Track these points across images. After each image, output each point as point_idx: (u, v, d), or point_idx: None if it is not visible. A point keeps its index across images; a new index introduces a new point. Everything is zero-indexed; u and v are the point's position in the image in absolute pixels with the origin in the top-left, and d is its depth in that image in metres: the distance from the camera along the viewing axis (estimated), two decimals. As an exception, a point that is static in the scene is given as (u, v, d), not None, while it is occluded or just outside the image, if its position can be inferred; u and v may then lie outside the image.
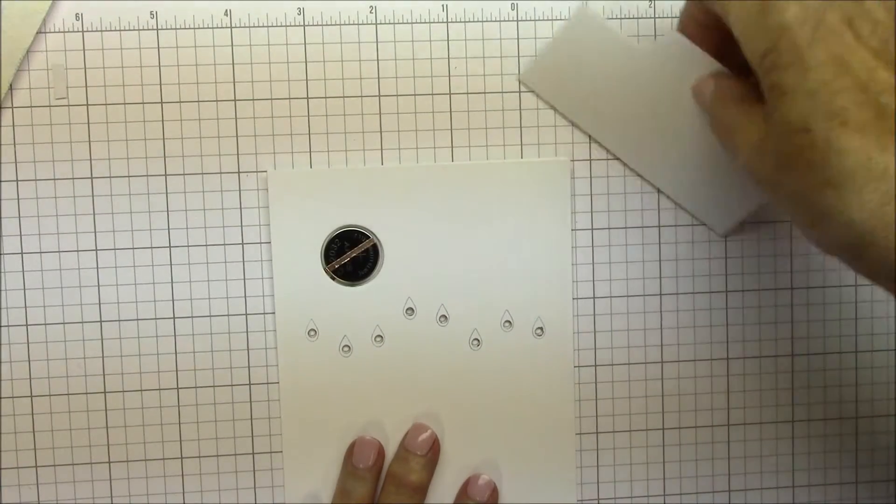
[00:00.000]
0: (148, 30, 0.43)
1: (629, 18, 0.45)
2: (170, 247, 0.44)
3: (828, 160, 0.31)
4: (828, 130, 0.31)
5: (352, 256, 0.44)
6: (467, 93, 0.44)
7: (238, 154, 0.44)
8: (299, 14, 0.43)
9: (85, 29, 0.42)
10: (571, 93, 0.44)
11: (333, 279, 0.44)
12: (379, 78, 0.44)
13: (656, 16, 0.45)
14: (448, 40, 0.44)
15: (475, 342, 0.45)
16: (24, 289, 0.43)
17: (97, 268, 0.43)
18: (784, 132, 0.32)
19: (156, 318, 0.44)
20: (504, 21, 0.44)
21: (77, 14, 0.42)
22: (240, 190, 0.44)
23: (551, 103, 0.44)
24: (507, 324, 0.45)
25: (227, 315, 0.44)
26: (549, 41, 0.44)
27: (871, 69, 0.31)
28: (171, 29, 0.43)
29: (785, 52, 0.32)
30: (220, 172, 0.44)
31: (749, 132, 0.35)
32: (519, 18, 0.44)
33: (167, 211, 0.43)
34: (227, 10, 0.43)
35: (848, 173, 0.31)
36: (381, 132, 0.44)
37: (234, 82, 0.43)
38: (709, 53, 0.41)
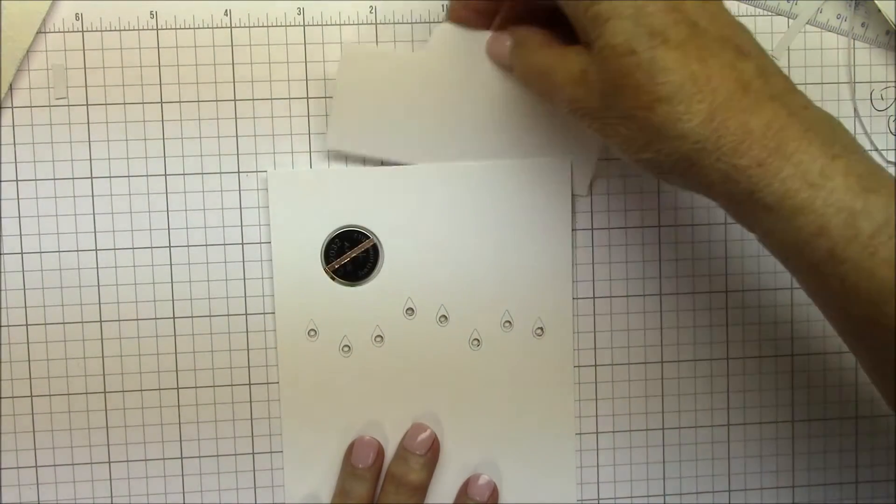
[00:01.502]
0: (148, 30, 0.43)
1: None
2: (170, 247, 0.44)
3: (654, 78, 0.33)
4: (651, 50, 0.33)
5: (352, 257, 0.44)
6: (467, 93, 0.44)
7: (238, 154, 0.44)
8: (299, 14, 0.43)
9: (85, 29, 0.42)
10: (379, 132, 0.43)
11: (333, 279, 0.44)
12: (379, 78, 0.44)
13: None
14: (448, 40, 0.44)
15: (475, 342, 0.45)
16: (24, 289, 0.43)
17: (97, 268, 0.43)
18: (609, 57, 0.34)
19: (156, 318, 0.44)
20: (504, 21, 0.44)
21: (77, 14, 0.42)
22: (240, 190, 0.44)
23: (367, 155, 0.43)
24: (507, 324, 0.45)
25: (227, 315, 0.44)
26: (332, 99, 0.43)
27: None
28: (171, 29, 0.43)
29: None
30: (220, 172, 0.44)
31: (567, 68, 0.36)
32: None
33: (167, 211, 0.43)
34: (227, 10, 0.43)
35: (676, 87, 0.32)
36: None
37: (234, 82, 0.43)
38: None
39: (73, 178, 0.43)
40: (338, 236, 0.44)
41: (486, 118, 0.43)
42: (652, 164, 0.34)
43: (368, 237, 0.44)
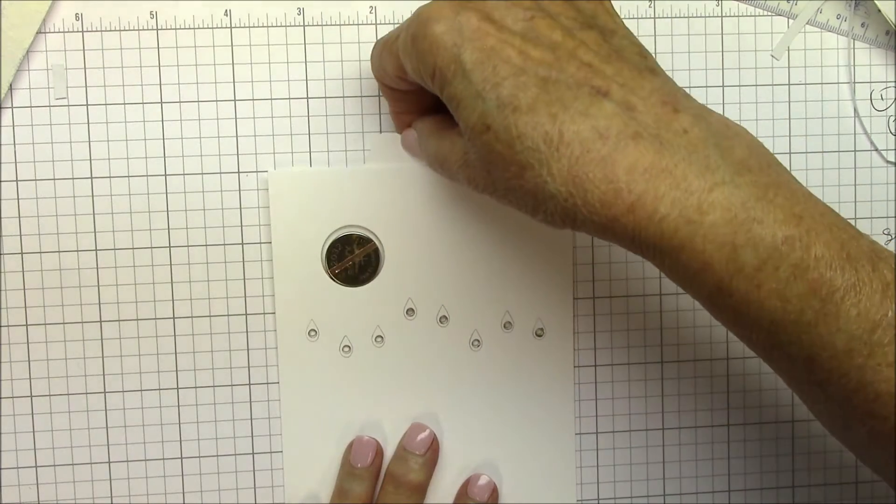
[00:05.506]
0: (148, 30, 0.43)
1: (629, 18, 0.45)
2: (170, 247, 0.44)
3: (513, 147, 0.33)
4: (503, 120, 0.33)
5: (353, 261, 0.44)
6: (467, 93, 0.44)
7: (238, 154, 0.44)
8: (299, 14, 0.43)
9: (85, 29, 0.42)
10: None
11: (334, 280, 0.44)
12: (379, 78, 0.44)
13: (656, 16, 0.45)
14: (448, 40, 0.44)
15: (475, 343, 0.45)
16: (24, 289, 0.43)
17: (97, 268, 0.43)
18: (473, 137, 0.34)
19: (156, 318, 0.44)
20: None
21: (77, 14, 0.42)
22: (240, 190, 0.44)
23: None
24: (507, 324, 0.45)
25: (227, 315, 0.44)
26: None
27: (522, 51, 0.33)
28: (171, 29, 0.43)
29: (445, 66, 0.34)
30: (220, 172, 0.44)
31: (454, 152, 0.37)
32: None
33: (167, 211, 0.43)
34: (227, 10, 0.43)
35: (533, 152, 0.32)
36: (380, 132, 0.44)
37: (234, 82, 0.43)
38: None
39: (73, 178, 0.43)
40: (339, 240, 0.44)
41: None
42: (548, 223, 0.34)
43: (370, 241, 0.44)
